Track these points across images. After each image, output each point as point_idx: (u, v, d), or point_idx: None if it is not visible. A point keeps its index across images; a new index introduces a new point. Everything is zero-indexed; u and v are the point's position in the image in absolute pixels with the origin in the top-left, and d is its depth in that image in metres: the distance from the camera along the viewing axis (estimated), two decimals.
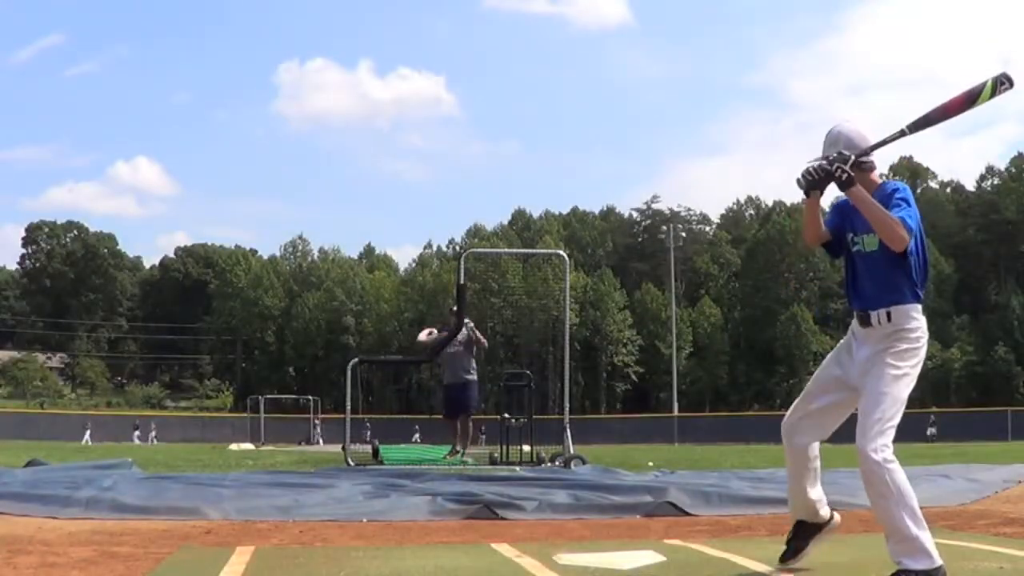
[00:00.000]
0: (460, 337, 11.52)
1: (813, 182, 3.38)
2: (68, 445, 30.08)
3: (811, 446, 3.72)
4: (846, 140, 3.54)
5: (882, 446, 3.31)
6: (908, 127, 3.47)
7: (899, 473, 3.30)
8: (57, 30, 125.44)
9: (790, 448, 3.74)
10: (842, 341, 3.70)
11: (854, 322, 3.61)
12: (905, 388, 3.43)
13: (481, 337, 11.84)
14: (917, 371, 3.48)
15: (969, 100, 3.43)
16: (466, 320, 11.65)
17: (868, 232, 3.49)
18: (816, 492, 3.77)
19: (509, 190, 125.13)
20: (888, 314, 3.46)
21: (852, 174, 3.36)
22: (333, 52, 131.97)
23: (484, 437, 23.41)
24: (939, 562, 3.25)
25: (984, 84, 3.42)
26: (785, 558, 3.84)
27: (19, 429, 43.82)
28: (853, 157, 3.40)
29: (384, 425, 43.70)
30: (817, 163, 3.39)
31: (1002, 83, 3.39)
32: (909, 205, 3.42)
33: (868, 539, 4.29)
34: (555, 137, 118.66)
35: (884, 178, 3.59)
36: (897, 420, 3.39)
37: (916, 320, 3.48)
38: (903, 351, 3.44)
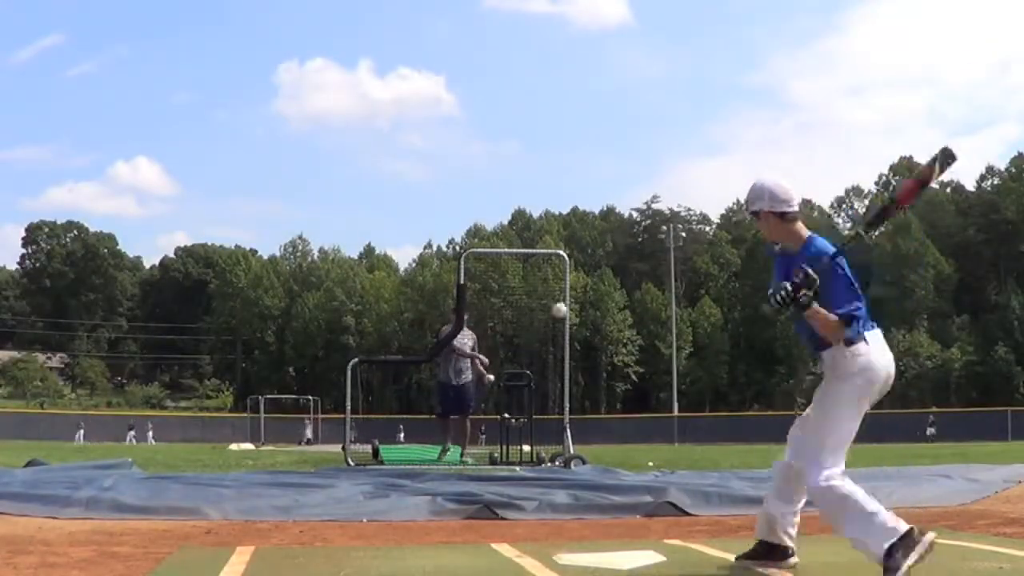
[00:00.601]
0: (470, 343, 11.50)
1: (780, 308, 3.47)
2: (66, 445, 30.12)
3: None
4: (769, 193, 3.64)
5: (828, 473, 3.46)
6: (863, 228, 3.58)
7: (842, 488, 3.44)
8: (57, 30, 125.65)
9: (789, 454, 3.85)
10: None
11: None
12: (846, 411, 3.54)
13: (485, 372, 11.71)
14: (864, 387, 3.54)
15: (919, 187, 3.55)
16: (483, 360, 11.62)
17: None
18: (788, 516, 3.85)
19: (509, 190, 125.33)
20: (831, 355, 3.59)
21: (812, 296, 3.43)
22: (333, 52, 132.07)
23: (484, 437, 23.39)
24: (906, 526, 3.34)
25: (933, 167, 3.48)
26: (740, 556, 3.97)
27: (19, 429, 43.86)
28: (817, 280, 3.45)
29: (366, 424, 43.16)
30: (783, 288, 3.45)
31: (948, 159, 3.46)
32: (844, 274, 3.50)
33: None
34: (555, 137, 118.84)
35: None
36: (841, 440, 3.53)
37: (853, 352, 3.55)
38: (843, 375, 3.56)
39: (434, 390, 12.43)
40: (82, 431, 43.98)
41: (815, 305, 3.45)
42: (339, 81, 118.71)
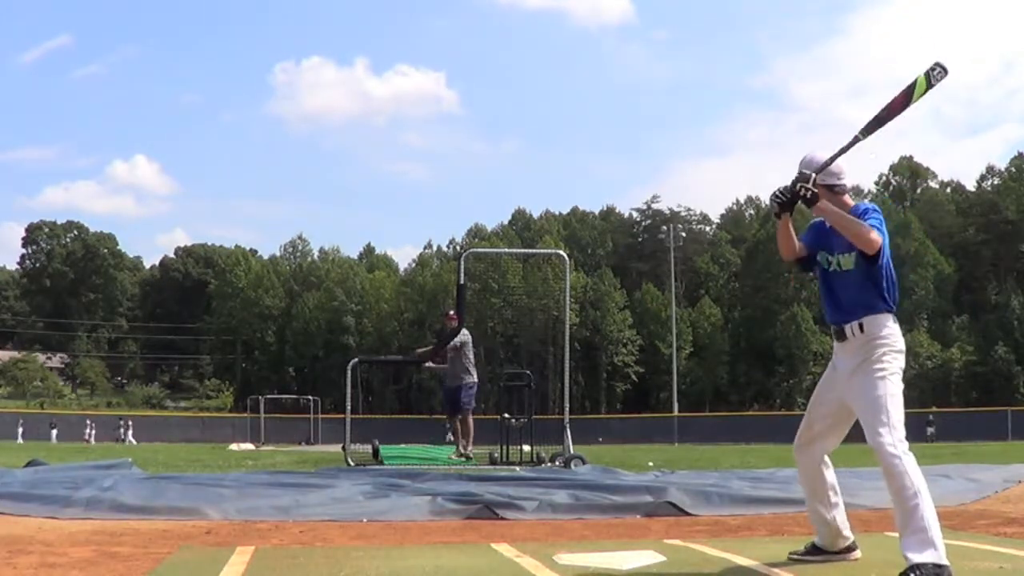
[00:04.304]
0: (455, 342, 11.55)
1: (783, 203, 3.58)
2: (41, 444, 30.09)
3: (821, 466, 3.87)
4: (818, 164, 3.68)
5: (897, 440, 3.41)
6: (861, 132, 3.60)
7: (916, 467, 3.38)
8: (62, 31, 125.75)
9: (801, 469, 3.91)
10: (829, 364, 3.85)
11: (833, 341, 3.76)
12: (895, 386, 3.54)
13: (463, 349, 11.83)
14: (900, 376, 3.58)
15: (907, 96, 3.58)
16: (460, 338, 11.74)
17: (844, 252, 3.65)
18: (835, 514, 3.89)
19: (509, 190, 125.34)
20: (860, 325, 3.60)
21: (814, 191, 3.52)
22: (331, 51, 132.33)
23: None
24: (947, 562, 3.29)
25: (916, 79, 3.57)
26: (793, 555, 3.99)
27: (25, 429, 43.96)
28: (813, 175, 3.56)
29: (366, 424, 43.09)
30: (783, 186, 3.57)
31: (936, 71, 3.55)
32: (879, 221, 3.57)
33: (868, 539, 4.30)
34: (555, 136, 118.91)
35: (863, 197, 3.70)
36: (902, 415, 3.48)
37: (888, 328, 3.61)
38: (882, 355, 3.57)
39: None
40: (56, 430, 44.26)
41: (824, 202, 3.53)
42: (338, 80, 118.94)
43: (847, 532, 3.93)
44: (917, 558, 3.26)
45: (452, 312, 12.07)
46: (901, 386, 3.55)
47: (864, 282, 3.60)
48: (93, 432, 46.70)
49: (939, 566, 3.26)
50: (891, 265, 3.64)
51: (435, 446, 17.78)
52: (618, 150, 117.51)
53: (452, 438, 11.65)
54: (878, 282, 3.59)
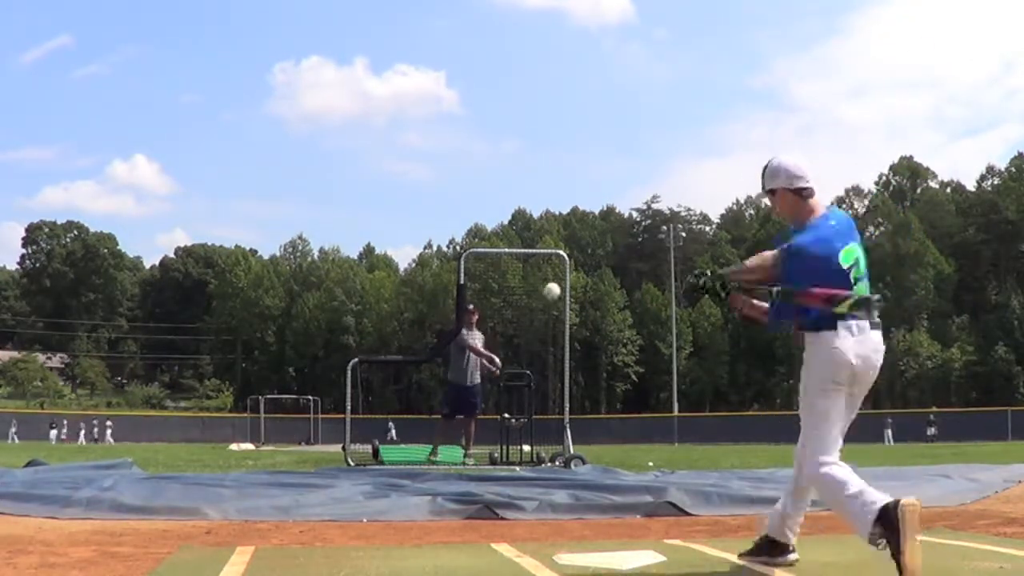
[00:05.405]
0: (475, 342, 11.40)
1: (692, 297, 3.67)
2: (40, 444, 30.05)
3: None
4: (785, 171, 3.71)
5: (819, 460, 3.50)
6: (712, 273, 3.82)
7: (834, 474, 3.45)
8: (62, 31, 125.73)
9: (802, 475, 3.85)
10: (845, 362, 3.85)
11: (864, 327, 3.73)
12: (819, 402, 3.58)
13: (493, 365, 11.45)
14: (829, 382, 3.56)
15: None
16: (496, 361, 11.50)
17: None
18: (800, 520, 3.88)
19: (509, 190, 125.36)
20: (802, 337, 3.74)
21: (727, 291, 3.74)
22: (331, 51, 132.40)
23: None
24: (884, 499, 3.27)
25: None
26: (743, 554, 3.97)
27: (19, 429, 43.93)
28: (722, 273, 3.76)
29: (366, 424, 42.84)
30: (692, 281, 3.75)
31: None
32: (795, 254, 3.61)
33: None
34: (556, 136, 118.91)
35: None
36: (824, 430, 3.55)
37: (819, 336, 3.64)
38: (810, 369, 3.66)
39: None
40: (55, 431, 44.15)
41: (737, 272, 3.68)
42: (339, 80, 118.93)
43: (789, 533, 3.88)
44: (868, 533, 3.26)
45: (472, 307, 11.85)
46: (827, 398, 3.60)
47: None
48: (82, 431, 46.94)
49: (885, 512, 3.23)
50: (811, 274, 3.59)
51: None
52: (618, 150, 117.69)
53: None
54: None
